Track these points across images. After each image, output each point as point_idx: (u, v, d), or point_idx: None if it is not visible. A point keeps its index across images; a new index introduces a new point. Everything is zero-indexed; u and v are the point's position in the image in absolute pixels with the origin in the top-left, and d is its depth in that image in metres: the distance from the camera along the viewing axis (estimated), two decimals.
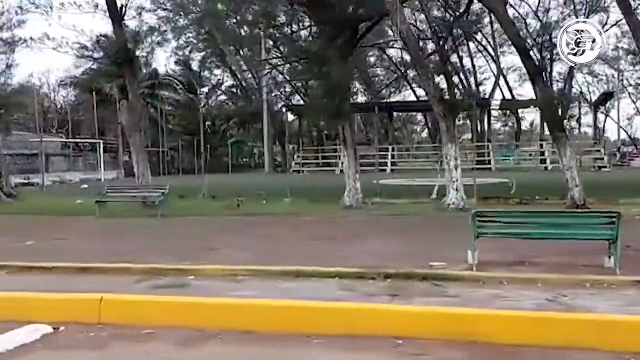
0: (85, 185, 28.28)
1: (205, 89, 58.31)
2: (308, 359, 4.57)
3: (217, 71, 54.20)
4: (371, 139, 60.53)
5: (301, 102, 57.27)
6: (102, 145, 37.63)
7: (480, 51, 50.57)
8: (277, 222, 12.63)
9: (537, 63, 13.91)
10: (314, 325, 5.02)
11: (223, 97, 59.77)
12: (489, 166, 42.62)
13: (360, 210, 14.61)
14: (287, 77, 55.10)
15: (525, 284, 6.54)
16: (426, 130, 69.13)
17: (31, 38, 31.64)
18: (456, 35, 15.39)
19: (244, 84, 52.59)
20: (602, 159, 40.80)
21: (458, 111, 13.75)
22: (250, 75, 52.48)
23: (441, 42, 14.48)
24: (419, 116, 68.18)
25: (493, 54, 49.39)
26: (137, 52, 44.87)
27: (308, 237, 10.24)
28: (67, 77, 43.67)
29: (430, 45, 27.23)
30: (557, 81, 40.82)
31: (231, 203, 15.89)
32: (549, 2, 35.09)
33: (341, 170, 45.03)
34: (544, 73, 14.09)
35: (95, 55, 45.28)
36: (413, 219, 12.76)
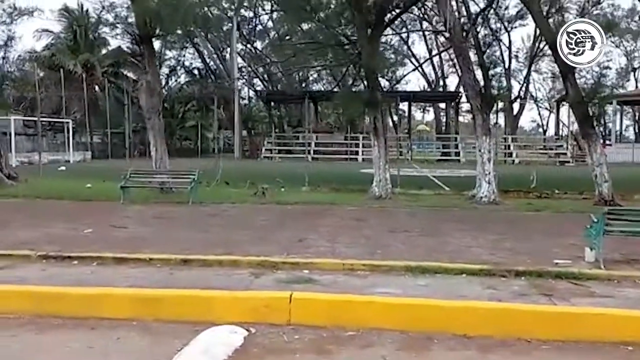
0: (63, 167, 26.85)
1: (166, 70, 56.54)
2: None
3: (182, 52, 52.44)
4: (332, 127, 60.46)
5: (261, 86, 56.70)
6: (71, 125, 35.75)
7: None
8: (325, 212, 12.18)
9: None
10: (530, 329, 4.76)
11: (183, 79, 58.05)
12: (457, 158, 43.32)
13: (394, 201, 14.36)
14: (248, 63, 54.46)
15: None
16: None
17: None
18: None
19: (213, 65, 51.21)
20: (565, 154, 42.23)
21: (493, 104, 13.71)
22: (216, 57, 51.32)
23: (479, 34, 14.36)
24: None
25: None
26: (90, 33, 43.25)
27: (382, 229, 9.90)
28: (27, 52, 41.21)
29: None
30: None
31: (254, 190, 15.33)
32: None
33: (313, 158, 45.04)
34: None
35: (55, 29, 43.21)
36: (462, 212, 12.61)
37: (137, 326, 4.85)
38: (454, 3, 13.48)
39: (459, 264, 7.01)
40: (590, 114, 14.65)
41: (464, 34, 14.07)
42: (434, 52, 52.25)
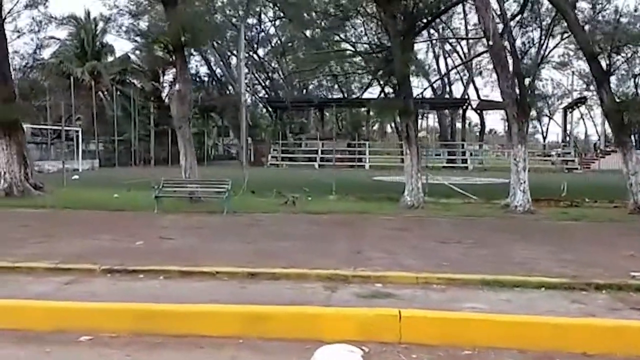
0: (76, 177, 26.63)
1: (170, 77, 56.45)
2: None
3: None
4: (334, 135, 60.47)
5: (262, 93, 56.71)
6: (80, 133, 35.53)
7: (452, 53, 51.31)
8: (362, 222, 12.07)
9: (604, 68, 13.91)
10: None
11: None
12: (464, 165, 43.30)
13: (427, 210, 14.25)
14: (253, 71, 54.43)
15: None
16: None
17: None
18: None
19: (219, 73, 51.19)
20: (573, 160, 42.31)
21: (529, 113, 13.65)
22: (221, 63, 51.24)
23: (516, 41, 14.32)
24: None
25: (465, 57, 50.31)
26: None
27: (431, 240, 9.78)
28: (35, 60, 40.97)
29: None
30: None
31: (281, 199, 15.26)
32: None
33: (319, 165, 44.91)
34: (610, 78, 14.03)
35: (60, 36, 43.01)
36: (502, 222, 12.53)
37: (245, 344, 4.70)
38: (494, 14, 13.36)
39: (536, 277, 6.88)
40: (626, 122, 14.59)
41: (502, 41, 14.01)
42: (441, 59, 52.52)
